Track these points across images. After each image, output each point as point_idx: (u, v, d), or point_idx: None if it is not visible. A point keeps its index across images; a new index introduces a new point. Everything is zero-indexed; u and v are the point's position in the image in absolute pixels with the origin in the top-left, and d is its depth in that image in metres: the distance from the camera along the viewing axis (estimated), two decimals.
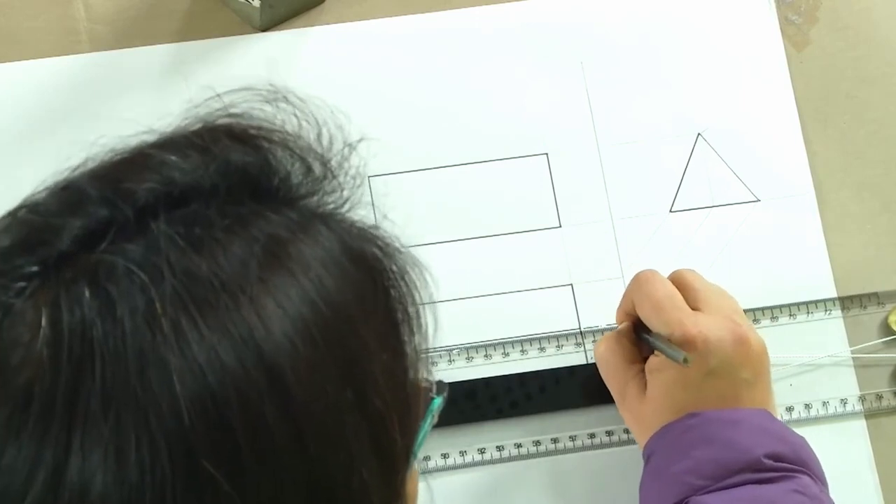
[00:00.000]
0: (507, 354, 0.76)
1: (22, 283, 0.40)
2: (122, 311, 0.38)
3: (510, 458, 0.75)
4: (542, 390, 0.75)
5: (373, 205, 0.78)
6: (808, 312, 0.77)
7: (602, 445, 0.75)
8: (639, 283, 0.69)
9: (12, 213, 0.44)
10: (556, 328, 0.77)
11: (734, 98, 0.81)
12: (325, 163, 0.48)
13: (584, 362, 0.76)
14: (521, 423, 0.75)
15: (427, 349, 0.49)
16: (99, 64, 0.79)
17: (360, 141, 0.50)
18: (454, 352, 0.76)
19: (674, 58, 0.82)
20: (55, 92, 0.78)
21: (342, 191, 0.48)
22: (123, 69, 0.79)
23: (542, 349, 0.76)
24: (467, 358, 0.76)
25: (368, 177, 0.79)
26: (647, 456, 0.67)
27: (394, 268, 0.47)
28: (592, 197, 0.79)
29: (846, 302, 0.78)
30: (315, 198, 0.47)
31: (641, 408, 0.68)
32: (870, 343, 0.77)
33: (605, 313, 0.76)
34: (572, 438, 0.75)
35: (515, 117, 0.80)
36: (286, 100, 0.50)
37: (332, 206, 0.47)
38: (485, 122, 0.80)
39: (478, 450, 0.74)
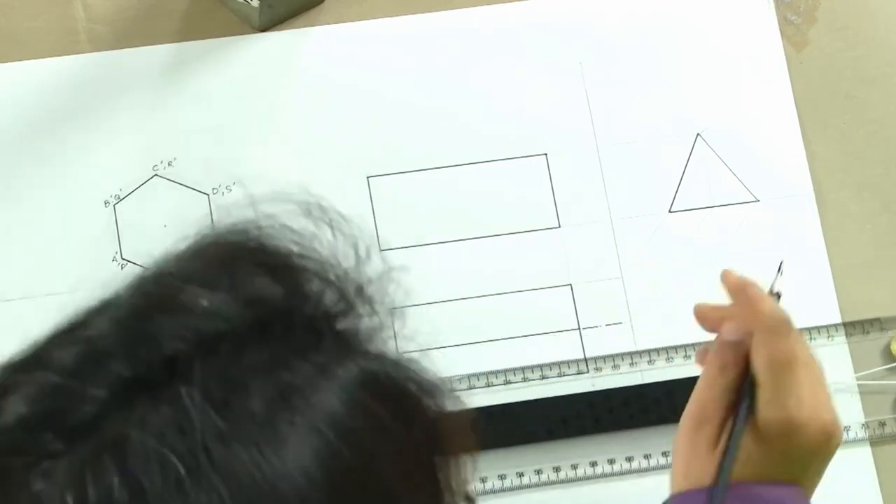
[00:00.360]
0: (526, 380, 0.76)
1: (46, 463, 0.37)
2: (151, 490, 0.37)
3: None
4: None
5: (372, 205, 0.79)
6: (810, 339, 0.77)
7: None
8: (777, 329, 0.57)
9: (28, 366, 0.41)
10: (555, 328, 0.77)
11: (733, 98, 0.81)
12: (359, 290, 0.45)
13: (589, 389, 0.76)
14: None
15: (469, 480, 0.46)
16: (99, 64, 0.79)
17: (397, 268, 0.47)
18: (475, 378, 0.76)
19: (673, 58, 0.82)
20: (55, 92, 0.79)
21: (375, 318, 0.45)
22: (123, 69, 0.79)
23: (561, 374, 0.76)
24: (487, 384, 0.76)
25: (368, 177, 0.79)
26: None
27: (430, 404, 0.44)
28: (592, 197, 0.79)
29: (849, 328, 0.77)
30: (346, 325, 0.44)
31: (704, 459, 0.59)
32: (872, 370, 0.77)
33: (604, 313, 0.76)
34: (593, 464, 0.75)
35: (515, 117, 0.80)
36: (322, 211, 0.48)
37: (364, 335, 0.44)
38: (485, 122, 0.80)
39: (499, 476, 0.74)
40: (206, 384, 0.38)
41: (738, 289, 0.59)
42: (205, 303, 0.40)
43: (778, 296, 0.62)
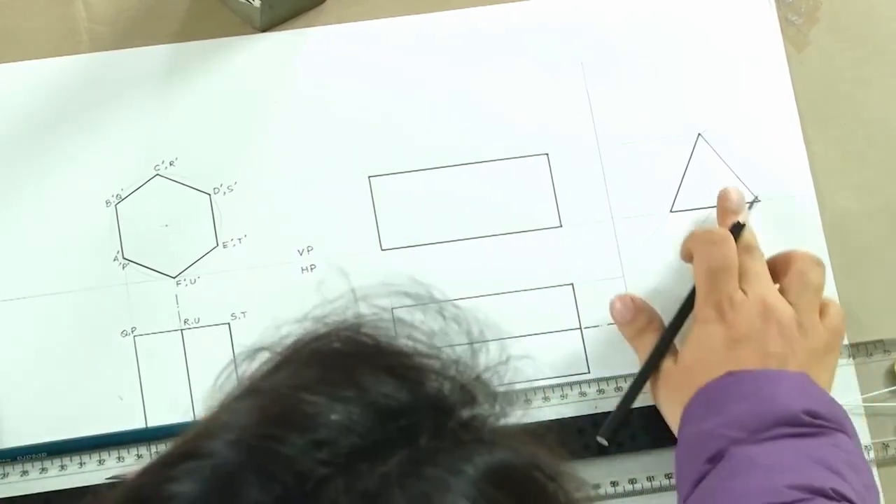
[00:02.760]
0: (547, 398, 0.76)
1: None
2: None
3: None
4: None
5: (373, 205, 0.79)
6: None
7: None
8: (710, 242, 0.71)
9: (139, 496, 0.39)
10: (556, 328, 0.77)
11: (734, 98, 0.81)
12: (478, 379, 0.44)
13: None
14: None
15: None
16: (99, 64, 0.79)
17: (519, 358, 0.45)
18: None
19: (674, 58, 0.82)
20: (55, 92, 0.78)
21: (496, 406, 0.43)
22: (124, 69, 0.79)
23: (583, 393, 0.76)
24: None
25: (369, 176, 0.79)
26: (681, 427, 0.67)
27: (555, 490, 0.42)
28: (593, 197, 0.79)
29: (853, 350, 0.77)
30: (468, 417, 0.42)
31: (675, 378, 0.69)
32: (876, 392, 0.77)
33: (605, 313, 0.76)
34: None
35: (516, 117, 0.80)
36: (432, 299, 0.46)
37: (486, 425, 0.43)
38: (486, 122, 0.80)
39: None
40: (346, 502, 0.37)
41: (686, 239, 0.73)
42: (335, 417, 0.38)
43: (740, 225, 0.73)
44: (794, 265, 0.71)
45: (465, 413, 0.42)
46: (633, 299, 0.74)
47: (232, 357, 0.45)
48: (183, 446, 0.39)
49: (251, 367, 0.44)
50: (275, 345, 0.44)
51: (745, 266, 0.70)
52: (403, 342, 0.43)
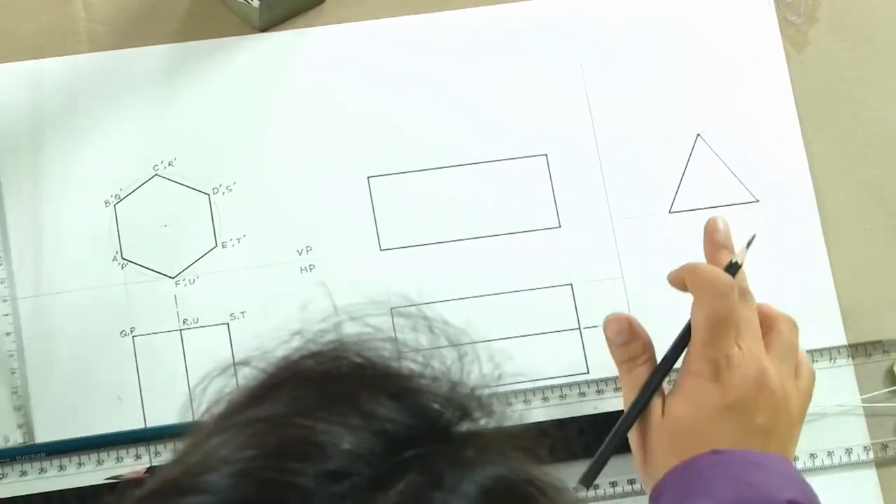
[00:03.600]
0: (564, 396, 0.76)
1: None
2: None
3: None
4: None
5: (372, 205, 0.79)
6: (812, 360, 0.76)
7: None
8: (715, 290, 0.64)
9: None
10: (556, 328, 0.77)
11: (733, 99, 0.81)
12: (472, 395, 0.43)
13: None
14: None
15: None
16: (99, 64, 0.79)
17: (513, 376, 0.46)
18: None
19: (673, 58, 0.82)
20: (55, 92, 0.78)
21: (490, 420, 0.43)
22: (124, 69, 0.79)
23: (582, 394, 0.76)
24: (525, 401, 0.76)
25: (368, 177, 0.79)
26: (658, 495, 0.64)
27: None
28: (592, 197, 0.79)
29: (852, 350, 0.77)
30: (464, 434, 0.42)
31: (660, 433, 0.65)
32: (875, 393, 0.77)
33: (604, 313, 0.76)
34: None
35: (515, 117, 0.80)
36: (422, 318, 0.46)
37: (481, 440, 0.42)
38: (485, 123, 0.80)
39: None
40: None
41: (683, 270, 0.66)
42: (347, 446, 0.38)
43: (737, 266, 0.66)
44: (777, 325, 0.66)
45: (463, 429, 0.41)
46: (630, 323, 0.69)
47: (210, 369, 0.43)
48: (176, 481, 0.38)
49: (229, 384, 0.43)
50: (256, 360, 0.43)
51: (739, 314, 0.65)
52: (399, 363, 0.43)
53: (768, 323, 0.66)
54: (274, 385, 0.41)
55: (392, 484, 0.37)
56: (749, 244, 0.68)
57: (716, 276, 0.65)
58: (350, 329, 0.44)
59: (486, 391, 0.43)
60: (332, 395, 0.40)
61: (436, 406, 0.41)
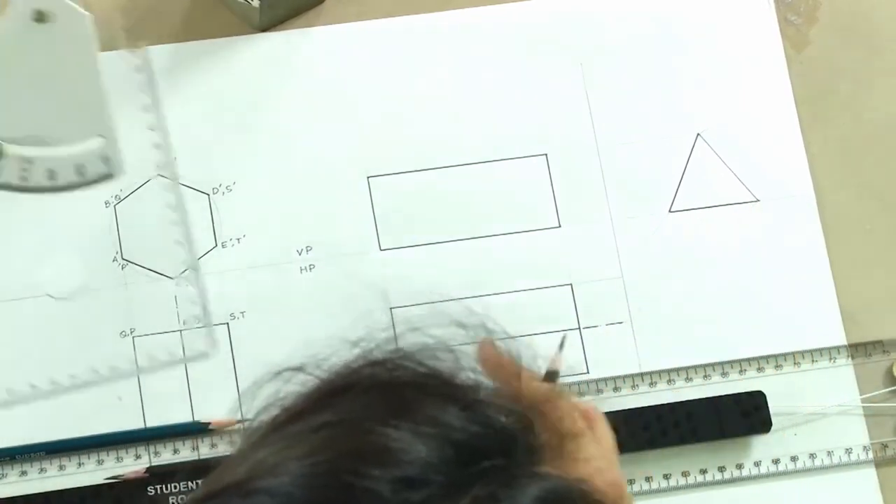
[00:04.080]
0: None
1: None
2: None
3: None
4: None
5: (372, 205, 0.79)
6: (812, 361, 0.77)
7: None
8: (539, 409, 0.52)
9: None
10: (555, 328, 0.77)
11: (733, 98, 0.81)
12: (531, 407, 0.43)
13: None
14: None
15: None
16: (99, 64, 0.79)
17: (569, 380, 0.45)
18: None
19: (673, 58, 0.82)
20: None
21: (546, 434, 0.43)
22: (124, 69, 0.79)
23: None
24: None
25: (368, 177, 0.79)
26: None
27: None
28: (592, 197, 0.79)
29: (852, 350, 0.77)
30: (526, 445, 0.41)
31: None
32: (875, 393, 0.77)
33: (604, 313, 0.76)
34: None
35: (515, 117, 0.80)
36: (485, 328, 0.45)
37: (540, 452, 0.42)
38: (485, 123, 0.80)
39: None
40: None
41: (496, 366, 0.51)
42: (421, 453, 0.37)
43: (555, 374, 0.57)
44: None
45: (527, 441, 0.41)
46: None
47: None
48: (239, 484, 0.37)
49: (285, 389, 0.42)
50: (311, 367, 0.43)
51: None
52: (463, 374, 0.42)
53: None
54: (336, 391, 0.40)
55: (463, 494, 0.37)
56: (561, 346, 0.59)
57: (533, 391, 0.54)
58: (410, 339, 0.43)
59: (547, 403, 0.43)
60: (401, 403, 0.39)
61: (501, 417, 0.40)
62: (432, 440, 0.38)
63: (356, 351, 0.43)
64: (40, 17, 0.63)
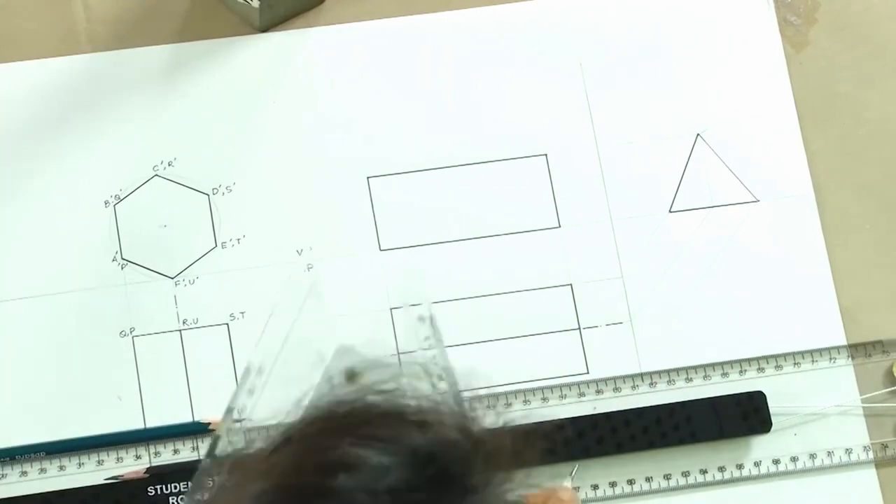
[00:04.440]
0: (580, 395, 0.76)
1: None
2: None
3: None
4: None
5: (372, 205, 0.79)
6: (812, 361, 0.77)
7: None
8: None
9: None
10: (555, 328, 0.77)
11: (733, 99, 0.81)
12: (479, 432, 0.46)
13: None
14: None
15: None
16: (99, 64, 0.79)
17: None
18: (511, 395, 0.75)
19: (673, 58, 0.82)
20: (55, 92, 0.78)
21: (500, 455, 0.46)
22: (123, 69, 0.79)
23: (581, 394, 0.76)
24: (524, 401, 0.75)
25: (368, 177, 0.79)
26: None
27: None
28: (592, 197, 0.79)
29: (852, 350, 0.77)
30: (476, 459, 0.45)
31: None
32: (874, 393, 0.77)
33: (604, 314, 0.76)
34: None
35: (515, 117, 0.80)
36: (428, 371, 0.50)
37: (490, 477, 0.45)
38: (485, 123, 0.80)
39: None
40: None
41: None
42: (385, 460, 0.41)
43: None
44: None
45: (475, 458, 0.44)
46: None
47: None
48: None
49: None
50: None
51: None
52: (418, 402, 0.46)
53: None
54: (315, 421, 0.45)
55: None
56: (572, 475, 0.67)
57: None
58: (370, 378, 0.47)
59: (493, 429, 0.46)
60: (356, 426, 0.43)
61: (452, 436, 0.44)
62: (387, 449, 0.42)
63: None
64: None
